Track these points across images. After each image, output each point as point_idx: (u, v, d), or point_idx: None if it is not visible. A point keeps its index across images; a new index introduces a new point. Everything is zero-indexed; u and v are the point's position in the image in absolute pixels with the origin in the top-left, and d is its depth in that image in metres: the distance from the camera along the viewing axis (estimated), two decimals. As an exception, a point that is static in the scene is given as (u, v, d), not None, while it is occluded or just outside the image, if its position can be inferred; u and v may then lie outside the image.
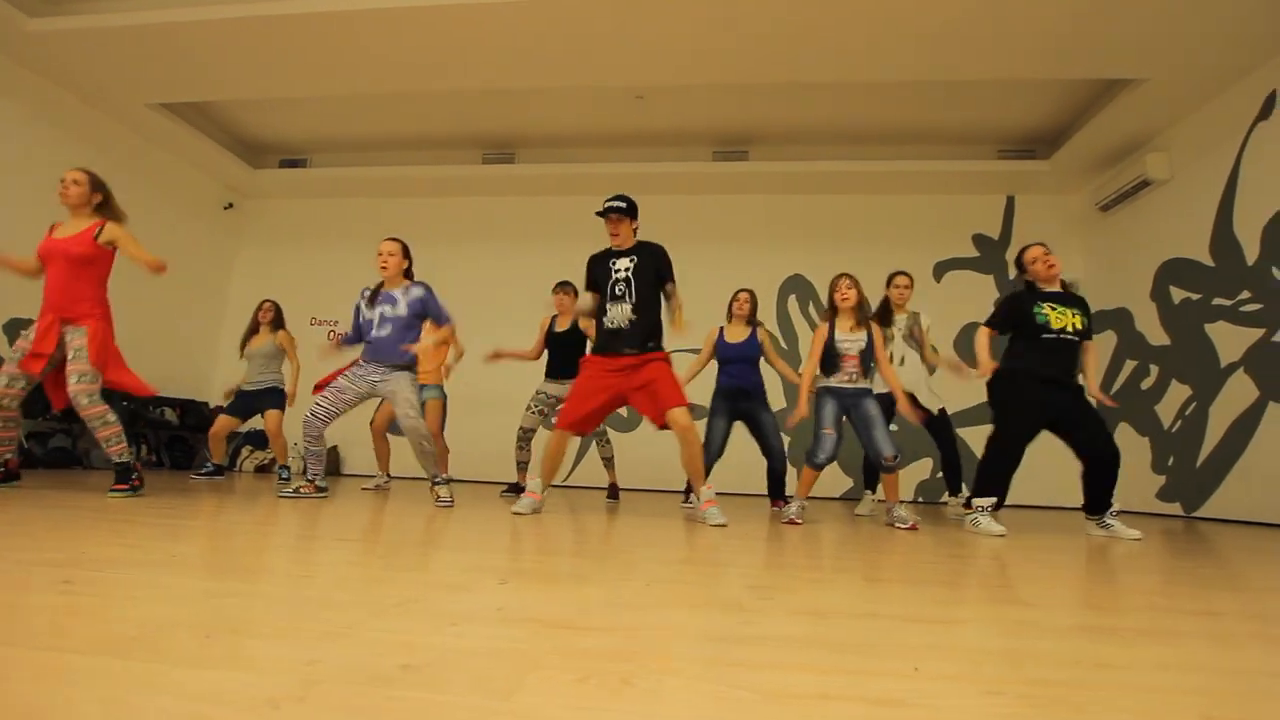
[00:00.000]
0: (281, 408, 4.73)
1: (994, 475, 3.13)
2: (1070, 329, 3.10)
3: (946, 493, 4.25)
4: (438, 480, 3.38)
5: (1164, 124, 5.10)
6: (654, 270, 3.14)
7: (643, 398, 3.01)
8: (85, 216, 3.08)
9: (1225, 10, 3.94)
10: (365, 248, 6.74)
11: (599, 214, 3.24)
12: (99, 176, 3.16)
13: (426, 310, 3.42)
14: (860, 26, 4.33)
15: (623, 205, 3.21)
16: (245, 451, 6.31)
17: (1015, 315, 3.23)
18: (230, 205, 6.92)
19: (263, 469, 6.19)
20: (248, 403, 4.72)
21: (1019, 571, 1.96)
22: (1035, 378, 3.09)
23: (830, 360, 3.33)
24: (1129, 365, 5.48)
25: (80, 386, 2.88)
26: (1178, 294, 5.01)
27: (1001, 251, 6.24)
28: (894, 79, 4.95)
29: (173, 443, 5.97)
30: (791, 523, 3.10)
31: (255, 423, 5.93)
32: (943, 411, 4.05)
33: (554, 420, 3.23)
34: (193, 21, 4.58)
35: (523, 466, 4.31)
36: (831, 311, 3.42)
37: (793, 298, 6.43)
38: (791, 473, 4.05)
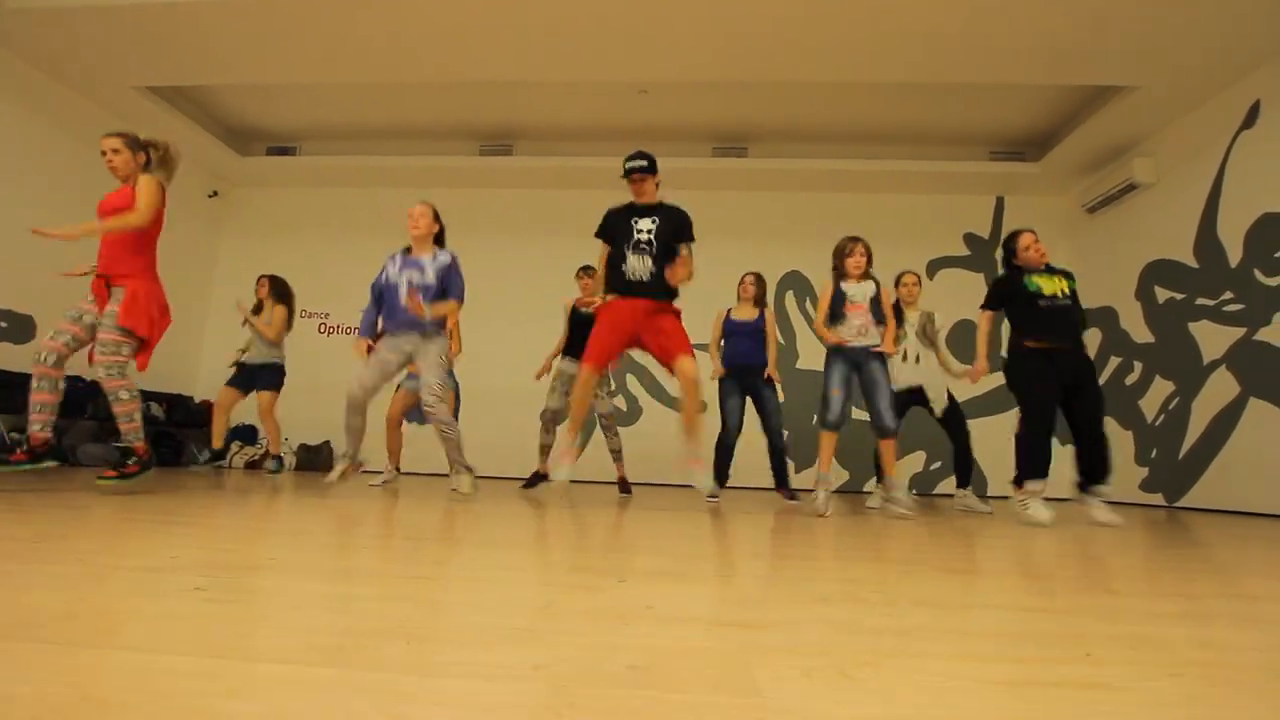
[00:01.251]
0: (276, 388, 4.59)
1: (1035, 454, 3.22)
2: (1061, 294, 3.27)
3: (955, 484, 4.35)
4: (459, 469, 3.34)
5: (1152, 130, 5.30)
6: (674, 233, 3.20)
7: (656, 340, 3.10)
8: (143, 183, 2.87)
9: (1214, 22, 4.12)
10: (356, 238, 6.64)
11: (623, 176, 3.28)
12: (135, 135, 2.97)
13: (448, 278, 3.34)
14: (858, 29, 4.41)
15: (644, 163, 3.25)
16: (235, 447, 6.13)
17: (1007, 289, 3.41)
18: (215, 193, 6.70)
19: (253, 465, 6.03)
20: (249, 377, 4.60)
21: (1064, 559, 2.04)
22: (1040, 351, 3.21)
23: (838, 311, 3.42)
24: (1114, 361, 5.70)
25: (101, 358, 2.77)
26: (1162, 294, 5.23)
27: (991, 250, 6.42)
28: (890, 80, 5.04)
29: (159, 438, 5.76)
30: (820, 515, 3.16)
31: (247, 415, 5.79)
32: (953, 401, 4.12)
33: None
34: (180, 2, 4.40)
35: (547, 450, 4.28)
36: (838, 273, 3.53)
37: (790, 294, 6.51)
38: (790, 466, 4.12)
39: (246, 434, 6.16)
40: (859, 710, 0.67)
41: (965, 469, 4.12)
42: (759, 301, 4.24)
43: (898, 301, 4.18)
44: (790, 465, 4.35)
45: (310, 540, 1.82)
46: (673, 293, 3.22)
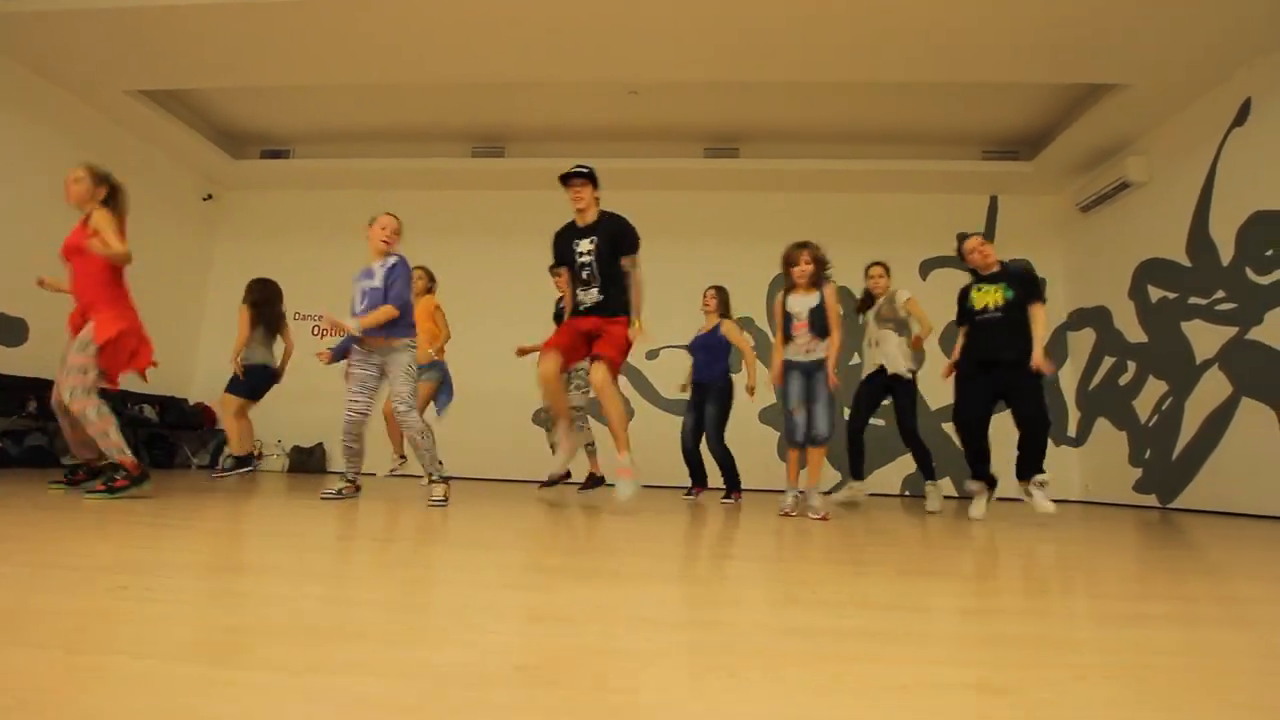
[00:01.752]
0: (246, 393, 4.57)
1: (968, 459, 3.43)
2: (992, 306, 3.35)
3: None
4: (434, 477, 3.21)
5: (1144, 128, 5.26)
6: (613, 247, 3.19)
7: (597, 342, 3.13)
8: (100, 217, 2.95)
9: (1204, 19, 4.08)
10: (350, 241, 6.62)
11: (561, 179, 3.26)
12: (102, 170, 3.06)
13: (389, 280, 3.20)
14: (850, 29, 4.39)
15: (586, 170, 3.25)
16: (227, 449, 6.15)
17: (961, 305, 3.57)
18: (209, 196, 6.74)
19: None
20: (252, 382, 4.63)
21: (1020, 561, 2.02)
22: (973, 361, 3.41)
23: (786, 328, 3.48)
24: (1107, 361, 5.66)
25: (67, 380, 2.78)
26: (1155, 293, 5.18)
27: (985, 250, 6.37)
28: (882, 80, 5.03)
29: (152, 441, 5.80)
30: (824, 519, 3.18)
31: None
32: (909, 381, 4.03)
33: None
34: (171, 5, 4.43)
35: (592, 449, 4.45)
36: (788, 281, 3.54)
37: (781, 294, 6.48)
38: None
39: (240, 435, 6.19)
40: (727, 709, 0.66)
41: (923, 460, 4.07)
42: (721, 314, 4.33)
43: (868, 291, 4.24)
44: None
45: (271, 540, 1.83)
46: (625, 307, 3.22)
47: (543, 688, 0.70)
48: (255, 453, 4.95)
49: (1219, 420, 4.53)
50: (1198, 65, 4.50)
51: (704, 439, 4.31)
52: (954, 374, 3.61)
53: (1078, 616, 1.23)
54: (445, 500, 3.12)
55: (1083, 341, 5.97)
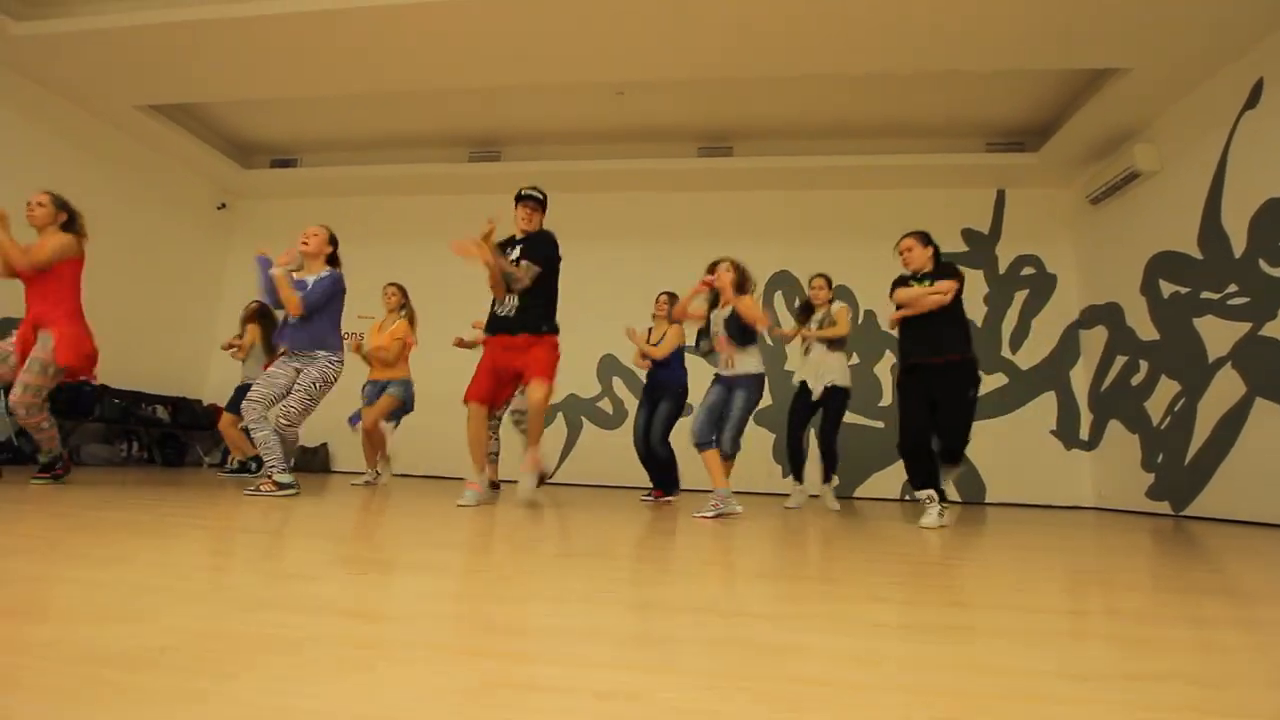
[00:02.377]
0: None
1: (909, 469, 3.22)
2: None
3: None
4: (271, 471, 3.18)
5: (1153, 115, 4.99)
6: (532, 256, 3.27)
7: (524, 367, 3.20)
8: (50, 235, 3.23)
9: (1211, -3, 3.85)
10: (355, 246, 6.77)
11: (516, 198, 3.38)
12: (64, 198, 3.34)
13: (314, 288, 3.31)
14: (840, 20, 4.29)
15: (540, 196, 3.38)
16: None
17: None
18: (223, 205, 7.02)
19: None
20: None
21: (919, 564, 1.92)
22: (908, 365, 3.30)
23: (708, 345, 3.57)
24: (1119, 361, 5.37)
25: (23, 398, 2.97)
26: (1167, 288, 4.90)
27: (992, 246, 6.15)
28: (878, 71, 4.89)
29: (164, 440, 6.05)
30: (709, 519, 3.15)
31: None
32: (834, 390, 4.13)
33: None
34: (175, 23, 4.63)
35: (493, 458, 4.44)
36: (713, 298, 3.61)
37: (779, 294, 6.38)
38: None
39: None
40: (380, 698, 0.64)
41: (829, 465, 4.16)
42: (671, 319, 4.28)
43: (809, 301, 4.31)
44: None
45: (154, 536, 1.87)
46: (549, 320, 3.29)
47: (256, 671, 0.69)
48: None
49: (1232, 422, 4.24)
50: (1205, 46, 4.24)
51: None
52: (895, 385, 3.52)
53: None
54: (259, 492, 3.09)
55: (1095, 340, 5.69)
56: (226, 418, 4.92)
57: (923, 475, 3.18)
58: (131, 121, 5.77)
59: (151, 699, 0.62)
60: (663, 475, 4.18)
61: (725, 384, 3.56)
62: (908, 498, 5.76)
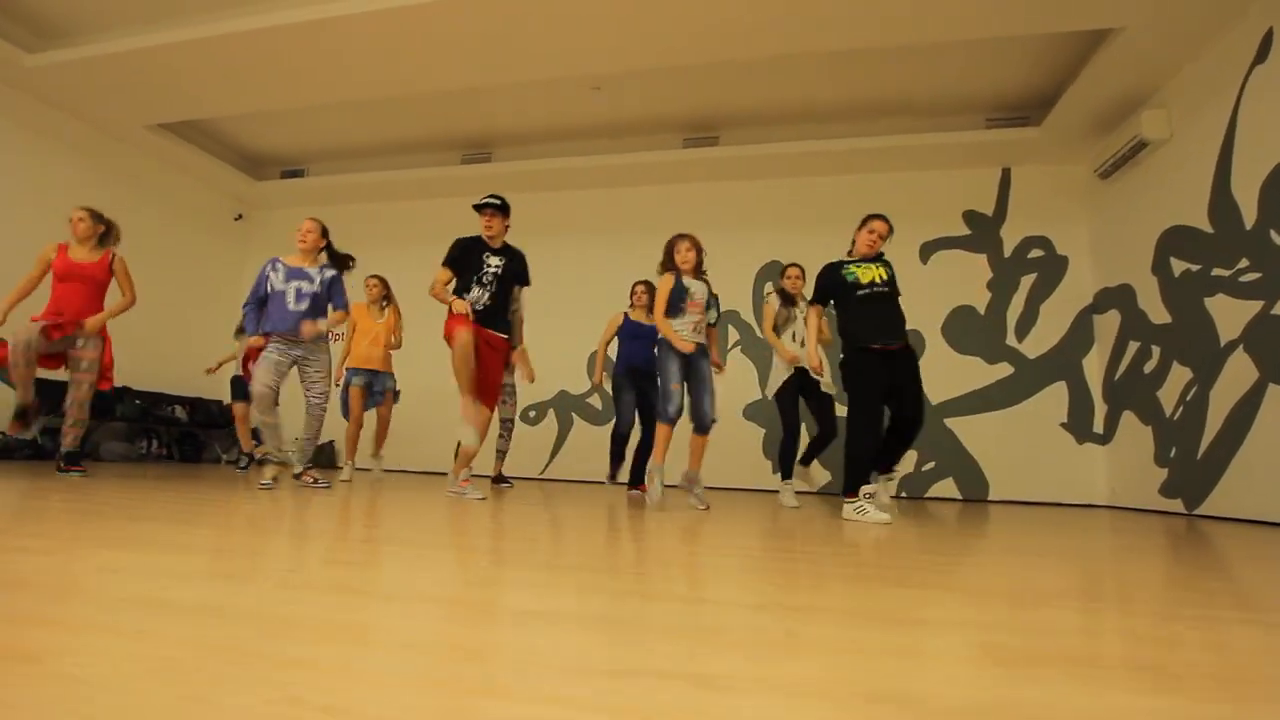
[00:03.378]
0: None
1: (867, 460, 3.02)
2: (878, 280, 3.17)
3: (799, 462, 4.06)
4: (268, 458, 3.73)
5: (1159, 78, 4.58)
6: (515, 276, 3.47)
7: (484, 375, 3.31)
8: (93, 247, 3.82)
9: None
10: (361, 250, 7.06)
11: (476, 207, 3.48)
12: (99, 211, 3.91)
13: (332, 290, 3.72)
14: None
15: (499, 202, 3.46)
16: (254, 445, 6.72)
17: (830, 280, 3.27)
18: (240, 216, 7.40)
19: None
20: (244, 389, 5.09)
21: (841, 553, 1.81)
22: (871, 351, 3.08)
23: (676, 305, 3.33)
24: (1132, 347, 4.95)
25: (88, 395, 3.71)
26: (1178, 266, 4.49)
27: (996, 228, 5.79)
28: (862, 47, 4.61)
29: (183, 438, 6.43)
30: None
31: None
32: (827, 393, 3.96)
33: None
34: (172, 44, 4.87)
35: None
36: (675, 270, 3.40)
37: (770, 284, 6.18)
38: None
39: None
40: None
41: (818, 451, 3.95)
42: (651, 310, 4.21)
43: (786, 291, 4.15)
44: None
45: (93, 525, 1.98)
46: (508, 329, 3.49)
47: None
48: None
49: (1245, 411, 3.84)
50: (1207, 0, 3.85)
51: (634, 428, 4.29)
52: (847, 368, 3.18)
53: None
54: (315, 483, 3.64)
55: (1108, 325, 5.27)
56: (242, 407, 5.13)
57: (869, 470, 3.03)
58: (145, 140, 6.15)
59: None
60: (640, 459, 4.26)
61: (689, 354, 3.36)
62: (904, 495, 5.50)
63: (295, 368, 3.64)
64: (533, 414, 6.44)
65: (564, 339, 6.25)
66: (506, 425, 4.75)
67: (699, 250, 3.41)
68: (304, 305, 3.60)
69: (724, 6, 4.26)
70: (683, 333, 3.32)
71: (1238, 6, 3.89)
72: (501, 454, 4.75)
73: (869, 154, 5.82)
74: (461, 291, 3.38)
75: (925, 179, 5.94)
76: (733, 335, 6.11)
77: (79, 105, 5.60)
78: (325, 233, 3.88)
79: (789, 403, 3.94)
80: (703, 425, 3.32)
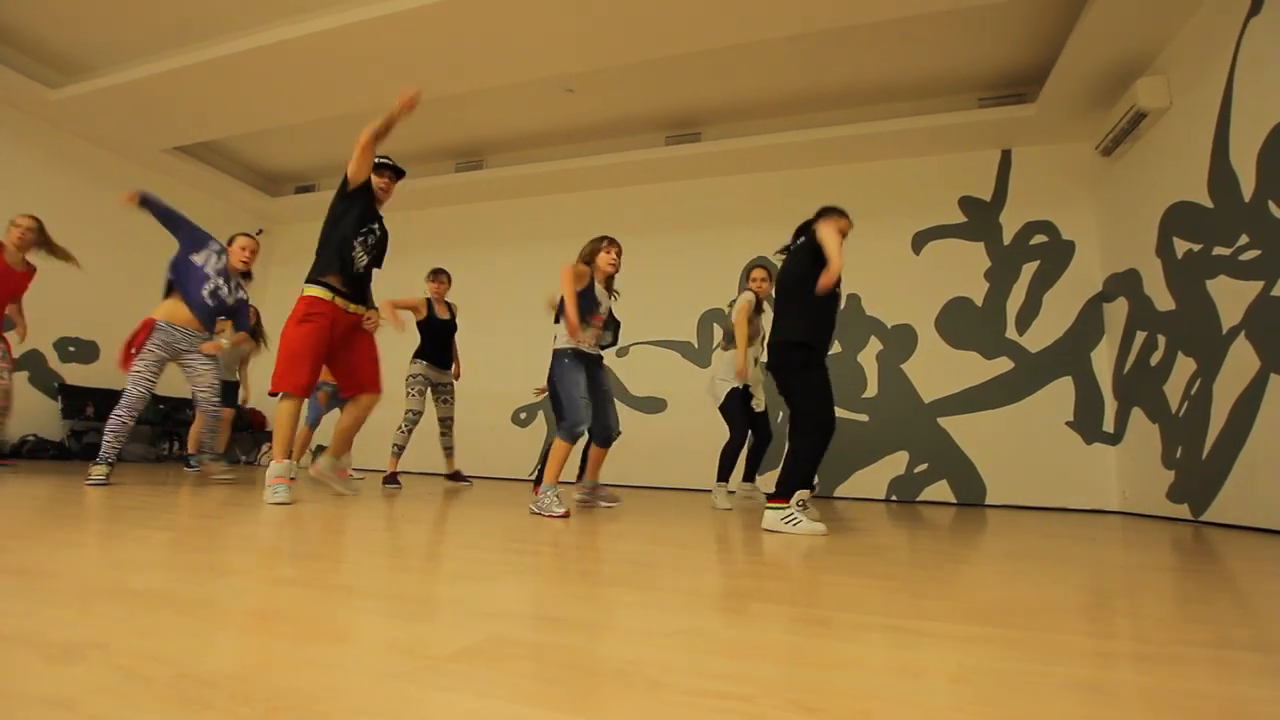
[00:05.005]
0: (232, 404, 5.27)
1: (812, 469, 2.77)
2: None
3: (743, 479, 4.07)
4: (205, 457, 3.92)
5: (1155, 42, 4.18)
6: (385, 244, 3.34)
7: (344, 362, 3.16)
8: (25, 259, 3.99)
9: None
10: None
11: (377, 168, 3.25)
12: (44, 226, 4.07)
13: (239, 309, 3.95)
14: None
15: (397, 167, 3.34)
16: (264, 448, 7.08)
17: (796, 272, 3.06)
18: (261, 231, 7.80)
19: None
20: (227, 393, 5.32)
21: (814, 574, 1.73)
22: (816, 351, 2.90)
23: (588, 309, 3.17)
24: (1139, 337, 4.52)
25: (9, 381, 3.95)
26: (1181, 246, 4.07)
27: (995, 214, 5.42)
28: (842, 24, 4.35)
29: (203, 440, 6.83)
30: (564, 516, 2.87)
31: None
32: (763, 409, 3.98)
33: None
34: (185, 66, 5.15)
35: (399, 450, 4.50)
36: (593, 270, 3.28)
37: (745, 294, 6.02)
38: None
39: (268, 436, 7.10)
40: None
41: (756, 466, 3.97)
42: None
43: (756, 295, 3.95)
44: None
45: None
46: (370, 303, 3.31)
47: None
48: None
49: (1247, 405, 3.43)
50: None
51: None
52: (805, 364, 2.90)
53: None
54: (232, 477, 3.68)
55: (1116, 313, 4.83)
56: (227, 414, 5.39)
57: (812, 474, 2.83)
58: (163, 163, 6.61)
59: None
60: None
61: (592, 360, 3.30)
62: (894, 498, 5.21)
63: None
64: (523, 416, 6.49)
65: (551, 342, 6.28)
66: (446, 424, 4.66)
67: (618, 259, 3.30)
68: (216, 302, 3.83)
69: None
70: (585, 348, 3.23)
71: (1230, -45, 3.50)
72: (449, 450, 4.68)
73: (856, 142, 5.57)
74: (346, 245, 3.15)
75: (917, 165, 5.64)
76: (716, 334, 5.97)
77: (100, 132, 6.07)
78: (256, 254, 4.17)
79: (737, 410, 3.84)
80: (606, 437, 3.23)
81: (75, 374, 6.03)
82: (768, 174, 6.08)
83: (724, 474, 3.79)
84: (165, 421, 6.45)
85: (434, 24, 4.55)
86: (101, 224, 6.17)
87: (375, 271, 3.34)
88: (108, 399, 6.01)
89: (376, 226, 3.26)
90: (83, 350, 6.12)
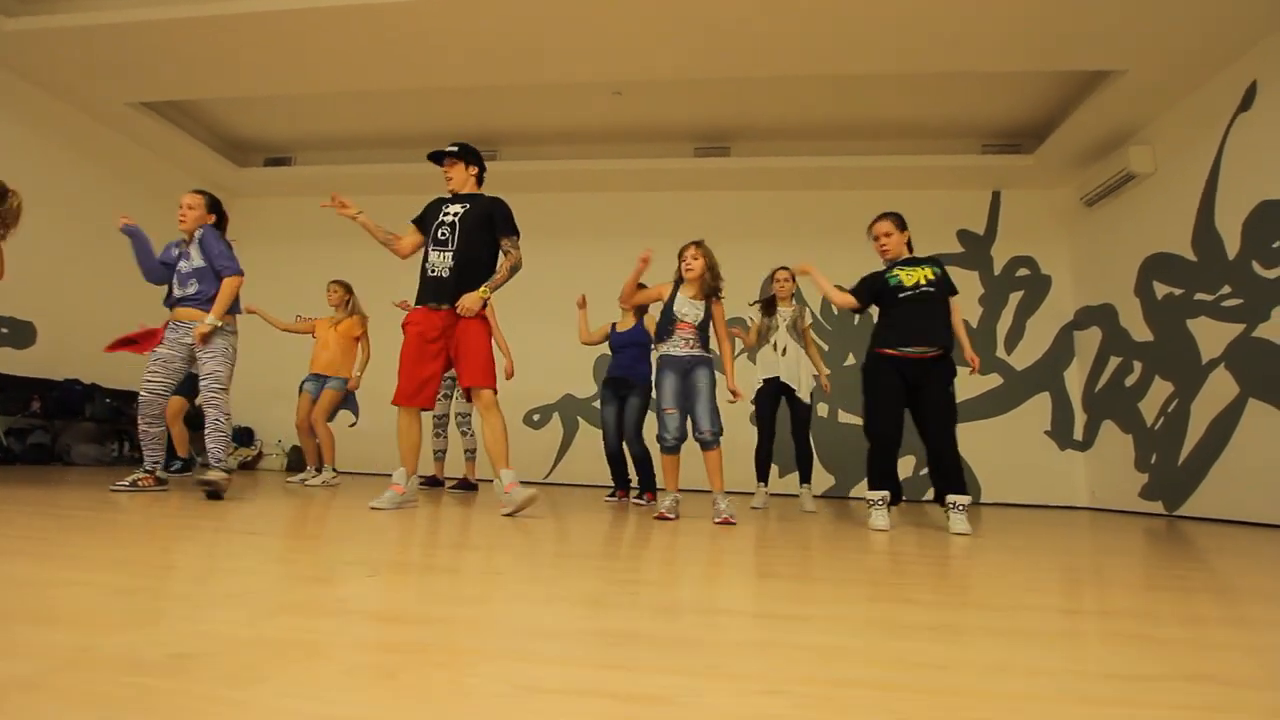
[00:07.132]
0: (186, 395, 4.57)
1: (876, 469, 3.02)
2: (924, 281, 3.07)
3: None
4: (216, 462, 3.14)
5: (1148, 117, 5.01)
6: (485, 221, 2.97)
7: (457, 358, 2.94)
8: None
9: (1205, 1, 3.86)
10: (352, 245, 6.78)
11: (430, 157, 3.13)
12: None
13: (209, 253, 3.19)
14: (837, 20, 4.29)
15: (454, 149, 3.09)
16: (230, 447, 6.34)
17: (873, 285, 3.22)
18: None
19: (245, 466, 6.24)
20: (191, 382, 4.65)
21: (907, 566, 1.92)
22: (893, 358, 3.01)
23: (666, 327, 3.23)
24: (1113, 362, 5.40)
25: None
26: (1161, 289, 4.93)
27: (987, 247, 6.17)
28: (874, 72, 4.88)
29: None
30: (662, 517, 2.99)
31: (240, 418, 6.01)
32: (807, 406, 4.08)
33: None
34: (168, 20, 4.59)
35: (442, 455, 4.48)
36: (676, 279, 3.31)
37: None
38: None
39: (242, 436, 6.38)
40: (337, 710, 0.63)
41: (807, 468, 4.09)
42: (639, 310, 4.17)
43: (773, 297, 4.24)
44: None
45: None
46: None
47: (172, 678, 0.68)
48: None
49: (1225, 423, 4.27)
50: (1200, 49, 4.27)
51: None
52: (864, 374, 3.16)
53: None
54: (216, 486, 2.97)
55: (1089, 341, 5.71)
56: (177, 401, 4.48)
57: (890, 476, 3.04)
58: (124, 118, 5.72)
59: (177, 706, 0.61)
60: (642, 472, 4.06)
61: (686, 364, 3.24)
62: (905, 499, 5.77)
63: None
64: (536, 417, 6.37)
65: (569, 342, 6.20)
66: (463, 419, 4.52)
67: (706, 260, 3.22)
68: (190, 288, 3.22)
69: (748, 24, 4.37)
70: (674, 351, 3.21)
71: (1224, 58, 4.32)
72: (470, 453, 4.56)
73: (872, 172, 6.08)
74: (429, 253, 2.99)
75: (922, 197, 6.25)
76: (739, 343, 6.23)
77: (57, 77, 5.15)
78: (213, 207, 3.44)
79: (766, 408, 4.09)
80: (699, 438, 3.11)
81: (8, 361, 5.06)
82: (787, 192, 6.44)
83: (760, 475, 4.09)
84: (116, 418, 5.58)
85: (457, 11, 4.40)
86: (44, 182, 5.22)
87: (447, 258, 2.97)
88: (56, 392, 5.13)
89: (447, 217, 3.01)
90: (18, 332, 5.14)
